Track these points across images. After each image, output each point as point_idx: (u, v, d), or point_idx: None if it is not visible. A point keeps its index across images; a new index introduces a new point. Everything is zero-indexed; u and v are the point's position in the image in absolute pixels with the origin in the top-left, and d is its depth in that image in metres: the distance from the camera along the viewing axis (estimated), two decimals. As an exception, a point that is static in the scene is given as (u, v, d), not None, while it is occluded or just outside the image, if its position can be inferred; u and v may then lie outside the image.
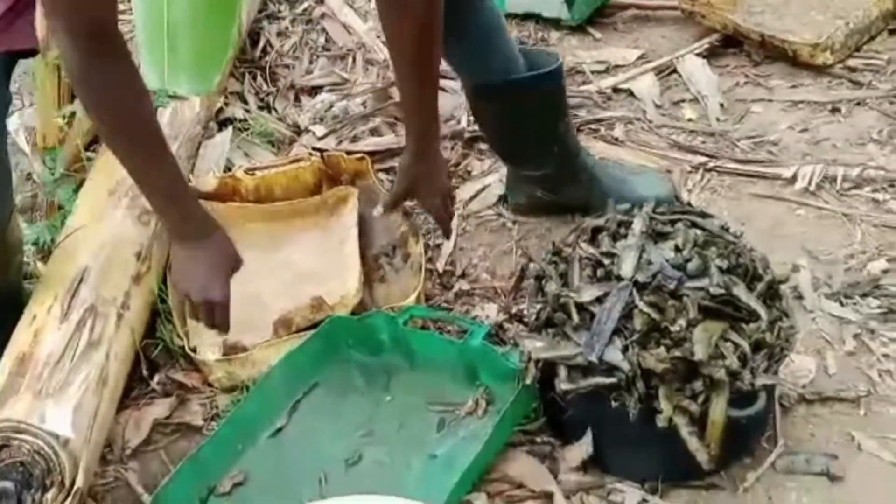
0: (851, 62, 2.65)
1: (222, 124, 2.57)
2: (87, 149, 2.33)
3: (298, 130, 2.64)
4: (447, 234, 2.22)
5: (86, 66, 1.60)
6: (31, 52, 1.95)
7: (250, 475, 1.79)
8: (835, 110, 2.54)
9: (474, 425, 1.83)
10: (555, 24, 2.87)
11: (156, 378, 2.01)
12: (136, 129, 1.70)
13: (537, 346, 1.77)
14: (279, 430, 1.89)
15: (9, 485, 1.60)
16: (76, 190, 2.23)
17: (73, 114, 2.34)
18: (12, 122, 2.48)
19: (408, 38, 1.84)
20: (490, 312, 2.11)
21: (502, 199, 2.38)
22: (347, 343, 1.99)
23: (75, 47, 1.58)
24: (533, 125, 2.17)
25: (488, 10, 2.10)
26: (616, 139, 2.51)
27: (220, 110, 2.61)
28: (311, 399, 1.94)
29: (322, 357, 1.97)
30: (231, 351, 1.98)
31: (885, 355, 1.96)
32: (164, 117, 2.32)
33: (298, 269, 2.21)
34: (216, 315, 1.81)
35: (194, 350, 1.98)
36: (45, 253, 2.17)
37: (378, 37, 2.93)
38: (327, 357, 1.98)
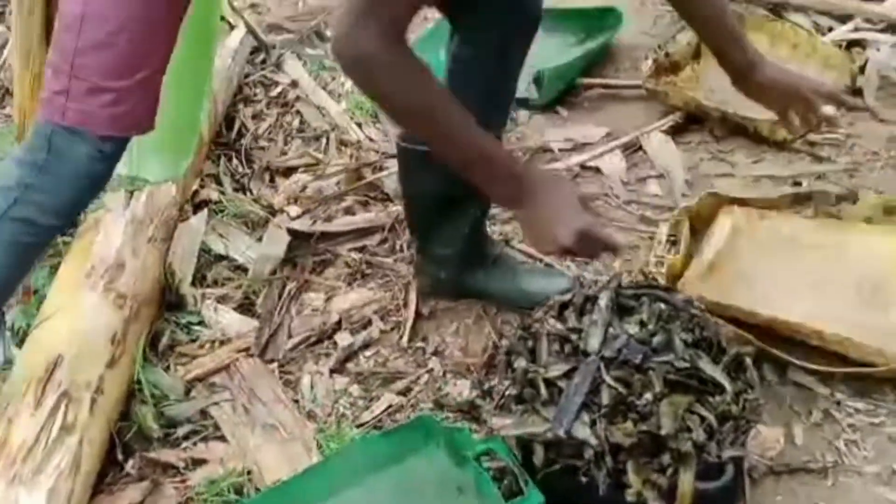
0: (811, 137, 2.66)
1: (198, 207, 2.58)
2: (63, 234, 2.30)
3: (273, 211, 2.64)
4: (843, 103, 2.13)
5: (399, 60, 1.59)
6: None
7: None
8: (796, 184, 2.55)
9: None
10: (524, 103, 2.89)
11: (130, 462, 1.98)
12: (446, 104, 1.68)
13: (506, 423, 1.76)
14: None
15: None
16: (51, 273, 2.23)
17: None
18: None
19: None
20: (462, 389, 2.10)
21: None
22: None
23: (388, 48, 1.58)
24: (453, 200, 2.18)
25: None
26: (584, 214, 2.52)
27: (196, 193, 2.61)
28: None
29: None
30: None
31: (851, 425, 1.97)
32: (139, 200, 2.33)
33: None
34: (596, 244, 1.74)
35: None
36: (21, 337, 2.15)
37: (351, 118, 2.97)
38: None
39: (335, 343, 2.26)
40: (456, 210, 2.19)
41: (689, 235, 2.26)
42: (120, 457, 1.98)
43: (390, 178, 2.68)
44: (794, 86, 2.07)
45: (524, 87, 2.84)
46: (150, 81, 1.84)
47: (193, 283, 2.39)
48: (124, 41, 1.76)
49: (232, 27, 3.25)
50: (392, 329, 2.29)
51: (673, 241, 2.25)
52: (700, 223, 2.31)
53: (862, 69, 2.83)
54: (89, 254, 2.15)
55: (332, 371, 2.20)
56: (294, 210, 2.65)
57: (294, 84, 3.24)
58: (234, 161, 2.87)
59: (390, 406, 2.11)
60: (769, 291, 2.09)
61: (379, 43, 1.58)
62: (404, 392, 2.14)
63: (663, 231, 2.27)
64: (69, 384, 1.88)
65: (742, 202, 2.35)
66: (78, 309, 2.06)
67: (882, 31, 3.03)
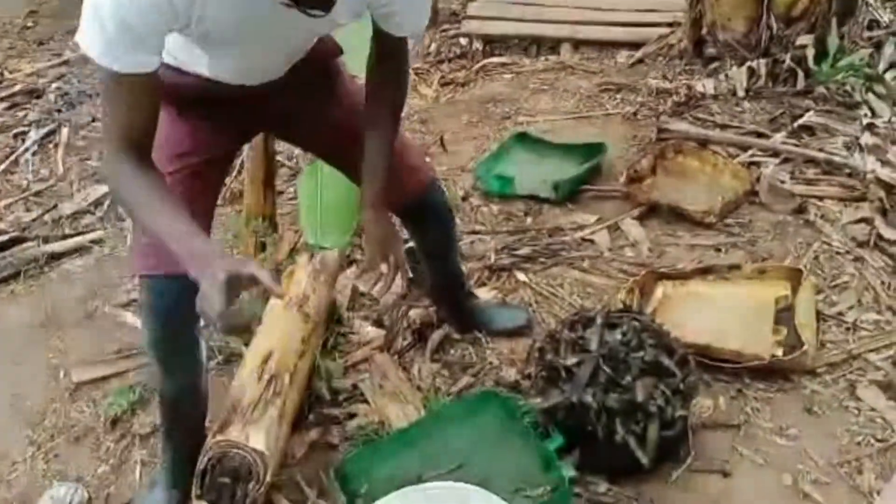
0: (728, 220, 2.66)
1: (350, 263, 2.58)
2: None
3: None
4: (405, 276, 1.74)
5: (124, 174, 1.27)
6: None
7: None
8: (717, 250, 2.55)
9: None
10: (546, 201, 2.86)
11: (311, 415, 2.01)
12: (154, 213, 1.27)
13: (537, 401, 1.79)
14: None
15: (227, 480, 1.63)
16: (263, 304, 2.17)
17: (263, 260, 2.35)
18: None
19: (383, 118, 1.60)
20: (511, 373, 2.10)
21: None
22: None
23: (118, 161, 1.27)
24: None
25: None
26: (584, 269, 2.51)
27: (351, 254, 2.60)
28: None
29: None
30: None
31: (755, 398, 1.98)
32: (317, 258, 2.28)
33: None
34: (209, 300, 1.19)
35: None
36: (245, 341, 2.13)
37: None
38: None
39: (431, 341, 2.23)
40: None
41: (638, 297, 2.25)
42: (306, 411, 2.01)
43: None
44: (369, 239, 1.66)
45: (547, 190, 2.86)
46: None
47: (348, 308, 2.40)
48: None
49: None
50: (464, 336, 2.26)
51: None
52: (645, 288, 2.30)
53: (758, 179, 2.82)
54: (288, 290, 2.16)
55: (430, 360, 2.18)
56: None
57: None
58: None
59: (467, 383, 2.10)
60: (691, 327, 2.07)
61: (112, 163, 1.29)
62: (475, 374, 2.13)
63: (623, 293, 2.26)
64: (277, 367, 1.89)
65: (668, 276, 2.34)
66: (281, 322, 2.06)
67: (769, 156, 3.01)
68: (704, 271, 2.35)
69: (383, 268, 1.65)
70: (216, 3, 1.21)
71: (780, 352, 2.05)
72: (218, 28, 1.26)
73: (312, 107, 1.67)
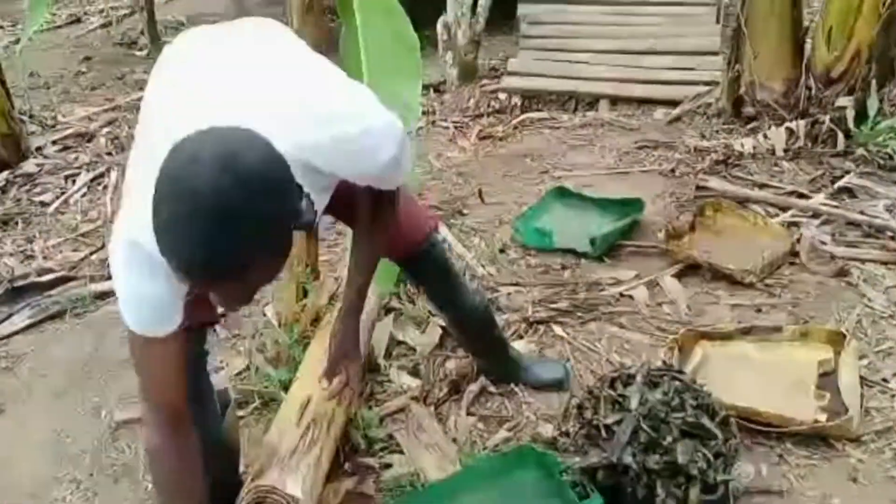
0: (768, 281, 2.63)
1: (388, 311, 2.58)
2: (311, 325, 2.36)
3: (431, 315, 2.52)
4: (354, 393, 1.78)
5: (160, 441, 1.38)
6: (212, 324, 1.70)
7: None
8: (758, 310, 2.52)
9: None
10: (584, 255, 2.86)
11: (347, 463, 2.00)
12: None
13: (576, 459, 1.76)
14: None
15: (264, 525, 1.60)
16: (303, 350, 2.24)
17: (304, 306, 2.36)
18: (269, 310, 2.57)
19: (371, 239, 1.60)
20: (548, 429, 2.07)
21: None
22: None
23: (156, 423, 1.37)
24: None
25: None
26: (622, 325, 2.50)
27: (388, 302, 2.62)
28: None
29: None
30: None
31: (797, 465, 1.93)
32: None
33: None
34: None
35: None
36: (284, 386, 2.17)
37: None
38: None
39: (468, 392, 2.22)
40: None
41: (678, 356, 2.22)
42: (342, 460, 1.99)
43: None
44: (334, 350, 1.73)
45: (585, 245, 2.85)
46: None
47: (385, 357, 2.39)
48: None
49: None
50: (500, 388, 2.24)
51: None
52: (684, 347, 2.27)
53: (798, 240, 2.80)
54: (325, 341, 2.03)
55: (467, 413, 2.16)
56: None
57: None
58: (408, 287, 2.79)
59: (503, 438, 2.08)
60: (731, 388, 2.03)
61: (156, 435, 1.38)
62: (511, 429, 2.11)
63: (661, 352, 2.24)
64: (315, 414, 1.87)
65: (708, 336, 2.31)
66: (319, 368, 1.93)
67: (810, 217, 2.99)
68: (745, 332, 2.32)
69: (336, 380, 1.71)
70: None
71: (823, 417, 2.00)
72: None
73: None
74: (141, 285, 1.22)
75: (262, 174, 1.02)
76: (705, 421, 1.73)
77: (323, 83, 1.26)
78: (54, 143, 4.30)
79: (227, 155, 1.00)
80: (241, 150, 1.02)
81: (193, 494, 1.42)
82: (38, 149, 4.17)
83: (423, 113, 4.30)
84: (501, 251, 2.97)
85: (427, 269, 1.96)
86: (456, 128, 4.32)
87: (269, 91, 1.18)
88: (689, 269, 2.73)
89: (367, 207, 1.54)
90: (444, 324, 2.40)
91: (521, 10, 5.20)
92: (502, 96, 4.66)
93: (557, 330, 2.48)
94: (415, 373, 2.34)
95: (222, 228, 0.98)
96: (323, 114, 1.20)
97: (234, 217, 0.98)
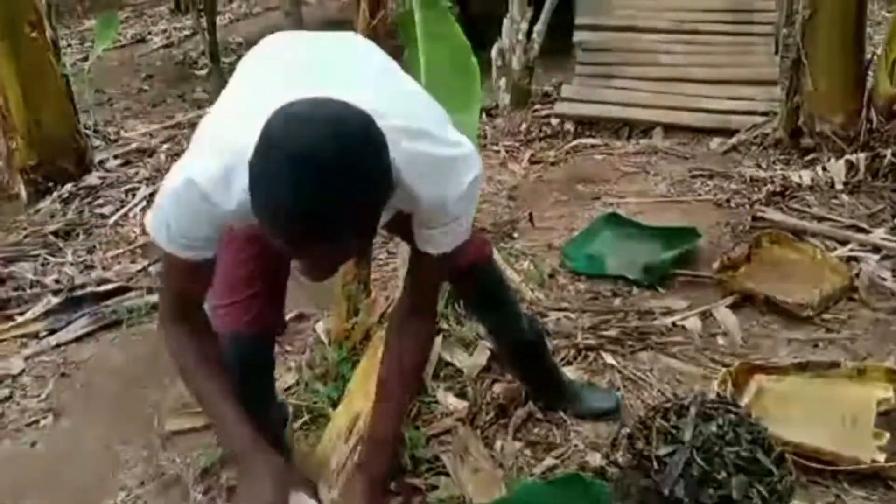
0: (825, 316, 2.58)
1: (437, 332, 2.46)
2: (360, 343, 2.37)
3: (480, 336, 2.49)
4: None
5: (177, 338, 1.35)
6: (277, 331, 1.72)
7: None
8: (814, 345, 2.46)
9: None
10: (636, 283, 2.84)
11: (392, 483, 1.91)
12: (199, 376, 1.35)
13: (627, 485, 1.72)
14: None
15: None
16: (352, 367, 2.26)
17: (354, 324, 2.38)
18: (320, 327, 2.60)
19: (400, 378, 1.49)
20: (595, 457, 2.05)
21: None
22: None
23: (172, 324, 1.35)
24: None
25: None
26: (674, 355, 2.45)
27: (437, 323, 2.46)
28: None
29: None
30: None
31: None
32: None
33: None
34: None
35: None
36: (332, 402, 2.19)
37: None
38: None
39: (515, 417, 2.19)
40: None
41: (732, 389, 2.16)
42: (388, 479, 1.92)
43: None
44: None
45: (637, 272, 2.83)
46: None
47: (432, 377, 2.38)
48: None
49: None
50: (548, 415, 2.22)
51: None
52: (738, 380, 2.22)
53: (857, 275, 2.74)
54: (375, 359, 2.06)
55: (513, 437, 2.14)
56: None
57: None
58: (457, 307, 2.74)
59: (550, 465, 2.05)
60: (786, 424, 1.99)
61: (167, 324, 1.36)
62: (559, 456, 2.08)
63: (715, 384, 2.20)
64: (363, 431, 1.86)
65: (763, 370, 2.26)
66: (369, 384, 1.93)
67: (869, 251, 2.93)
68: (801, 367, 2.26)
69: None
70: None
71: (881, 457, 1.94)
72: None
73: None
74: (181, 218, 1.22)
75: (367, 143, 1.05)
76: (761, 456, 1.67)
77: (419, 96, 1.33)
78: (116, 157, 4.43)
79: (338, 120, 1.04)
80: (350, 118, 1.05)
81: (214, 371, 1.34)
82: (101, 162, 4.30)
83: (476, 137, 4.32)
84: (551, 276, 2.95)
85: (478, 293, 1.95)
86: (507, 152, 4.33)
87: (374, 90, 1.23)
88: (744, 301, 2.68)
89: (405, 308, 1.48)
90: (492, 347, 2.39)
91: (577, 36, 5.21)
92: (555, 121, 4.66)
93: (607, 358, 2.45)
94: (462, 395, 2.32)
95: (326, 183, 1.00)
96: (418, 129, 1.23)
97: (339, 174, 1.01)
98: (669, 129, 4.40)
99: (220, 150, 1.18)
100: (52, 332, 2.84)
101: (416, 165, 1.21)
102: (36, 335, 2.84)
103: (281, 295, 1.68)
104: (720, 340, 2.52)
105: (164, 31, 7.62)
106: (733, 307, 2.66)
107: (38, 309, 2.96)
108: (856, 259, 2.88)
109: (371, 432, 1.53)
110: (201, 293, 1.37)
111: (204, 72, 6.33)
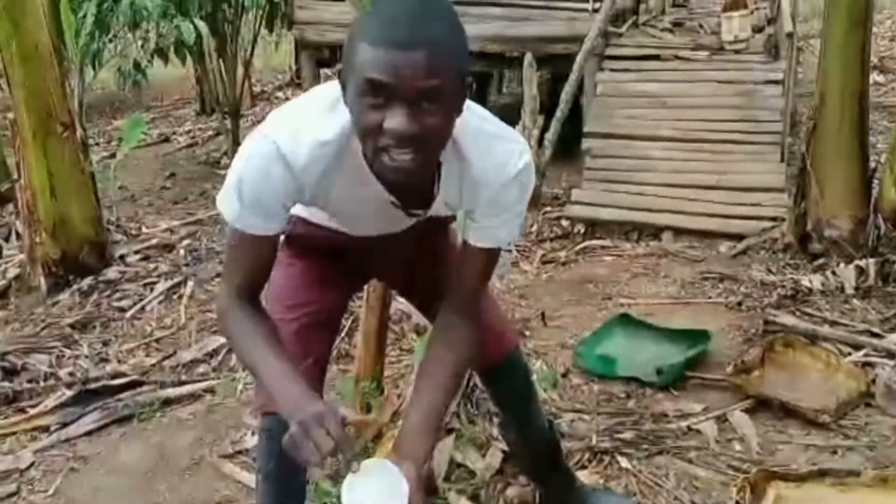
0: (843, 422, 2.53)
1: (448, 432, 2.49)
2: (372, 441, 2.30)
3: (493, 437, 2.43)
4: None
5: (234, 313, 1.37)
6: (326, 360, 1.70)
7: None
8: (833, 452, 2.40)
9: None
10: (649, 385, 2.81)
11: None
12: (256, 350, 1.33)
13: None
14: None
15: None
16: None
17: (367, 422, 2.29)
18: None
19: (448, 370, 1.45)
20: None
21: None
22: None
23: (232, 301, 1.37)
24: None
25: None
26: (691, 460, 2.40)
27: (449, 422, 2.50)
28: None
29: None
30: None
31: None
32: None
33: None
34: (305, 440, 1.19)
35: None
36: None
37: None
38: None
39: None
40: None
41: (750, 497, 2.11)
42: None
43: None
44: None
45: (650, 374, 2.80)
46: None
47: (444, 479, 2.33)
48: None
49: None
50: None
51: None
52: (757, 488, 2.14)
53: (873, 381, 2.69)
54: (386, 455, 2.07)
55: None
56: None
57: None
58: (469, 406, 2.71)
59: None
60: None
61: (226, 302, 1.38)
62: None
63: (733, 491, 2.15)
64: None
65: (782, 476, 2.19)
66: None
67: (884, 356, 2.89)
68: (821, 474, 2.21)
69: None
70: (337, 189, 1.35)
71: (908, 571, 1.87)
72: (339, 206, 1.41)
73: (425, 259, 1.70)
74: (254, 175, 1.28)
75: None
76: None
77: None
78: (137, 252, 4.50)
79: None
80: None
81: (270, 339, 1.34)
82: (122, 257, 4.37)
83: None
84: (564, 375, 2.93)
85: (510, 384, 1.91)
86: (519, 251, 4.38)
87: None
88: (760, 406, 2.64)
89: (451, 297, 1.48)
90: (505, 447, 2.35)
91: (586, 143, 5.35)
92: (565, 223, 4.74)
93: (623, 462, 2.40)
94: (474, 498, 2.27)
95: (435, 11, 1.15)
96: (481, 111, 1.35)
97: (443, 10, 1.17)
98: (678, 232, 4.46)
99: (291, 115, 1.31)
100: (64, 425, 2.82)
101: (471, 132, 1.29)
102: (47, 429, 2.82)
103: (321, 378, 1.66)
104: (737, 445, 2.47)
105: (189, 131, 7.88)
106: (749, 411, 2.62)
107: (51, 402, 2.95)
108: (870, 364, 2.84)
109: (410, 426, 1.44)
110: (262, 280, 1.40)
111: (225, 171, 6.48)
